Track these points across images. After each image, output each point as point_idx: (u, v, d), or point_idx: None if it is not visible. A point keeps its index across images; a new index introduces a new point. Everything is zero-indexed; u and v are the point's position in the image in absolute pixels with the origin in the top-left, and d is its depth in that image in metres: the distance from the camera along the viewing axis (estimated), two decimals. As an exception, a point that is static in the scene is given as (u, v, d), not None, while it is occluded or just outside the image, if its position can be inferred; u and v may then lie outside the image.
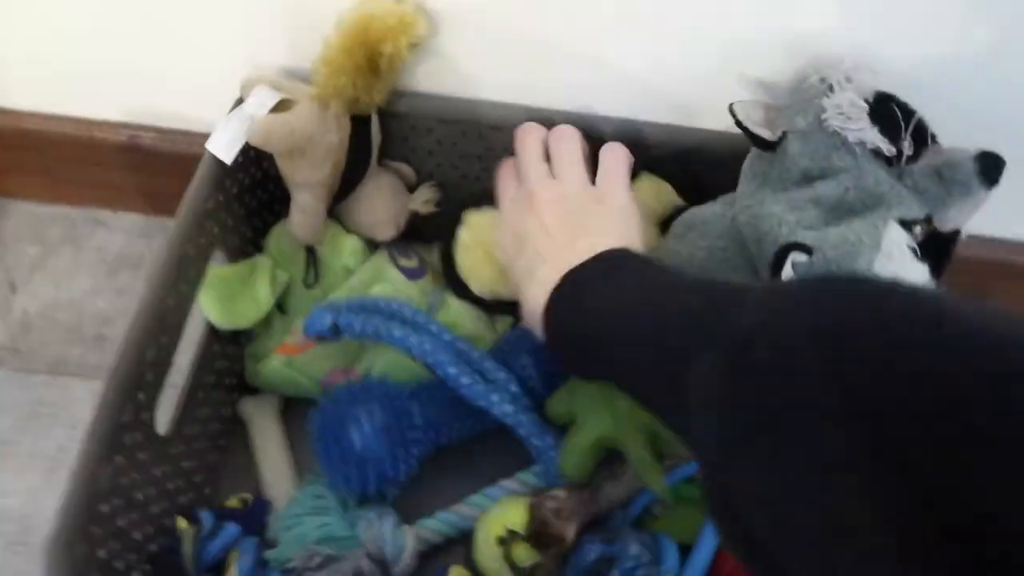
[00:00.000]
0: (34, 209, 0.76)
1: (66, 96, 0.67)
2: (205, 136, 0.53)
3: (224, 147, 0.54)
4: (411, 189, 0.64)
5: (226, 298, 0.55)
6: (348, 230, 0.61)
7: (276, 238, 0.60)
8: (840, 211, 0.44)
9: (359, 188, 0.59)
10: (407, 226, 0.63)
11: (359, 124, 0.56)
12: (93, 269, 0.73)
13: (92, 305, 0.70)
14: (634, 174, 0.54)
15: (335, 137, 0.55)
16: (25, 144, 0.70)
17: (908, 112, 0.45)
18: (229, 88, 0.56)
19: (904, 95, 0.47)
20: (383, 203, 0.60)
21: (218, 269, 0.55)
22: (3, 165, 0.73)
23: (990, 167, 0.42)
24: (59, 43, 0.62)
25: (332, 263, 0.60)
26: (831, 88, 0.45)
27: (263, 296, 0.57)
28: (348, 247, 0.60)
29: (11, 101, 0.68)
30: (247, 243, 0.60)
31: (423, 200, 0.63)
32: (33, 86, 0.67)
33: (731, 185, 0.53)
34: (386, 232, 0.61)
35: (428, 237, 0.65)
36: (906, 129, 0.44)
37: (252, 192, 0.60)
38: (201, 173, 0.53)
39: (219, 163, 0.53)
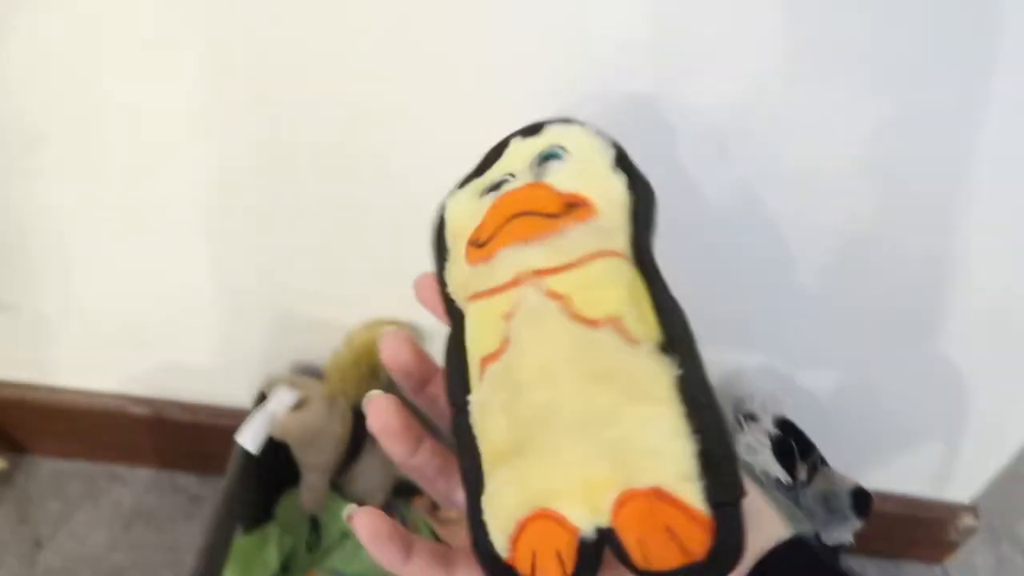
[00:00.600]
0: (57, 465, 0.87)
1: (104, 375, 0.80)
2: (226, 410, 0.66)
3: (251, 440, 0.66)
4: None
5: (243, 565, 0.66)
6: (345, 497, 0.73)
7: (285, 508, 0.72)
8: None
9: (355, 464, 0.71)
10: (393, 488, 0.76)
11: (359, 416, 0.70)
12: (110, 523, 0.82)
13: (108, 561, 0.79)
14: None
15: (340, 429, 0.68)
16: (62, 415, 0.82)
17: (806, 444, 0.60)
18: (249, 372, 0.69)
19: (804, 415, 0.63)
20: (375, 475, 0.73)
21: (240, 542, 0.66)
22: (37, 430, 0.84)
23: (862, 503, 0.57)
24: (101, 332, 0.76)
25: (331, 527, 0.71)
26: (741, 426, 0.60)
27: (271, 560, 0.68)
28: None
29: (55, 379, 0.81)
30: (260, 510, 0.71)
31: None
32: (75, 367, 0.80)
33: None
34: (378, 499, 0.73)
35: (409, 494, 0.77)
36: (803, 459, 0.59)
37: (268, 468, 0.72)
38: (233, 465, 0.66)
39: (246, 452, 0.66)
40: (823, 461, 0.60)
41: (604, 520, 0.23)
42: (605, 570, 0.23)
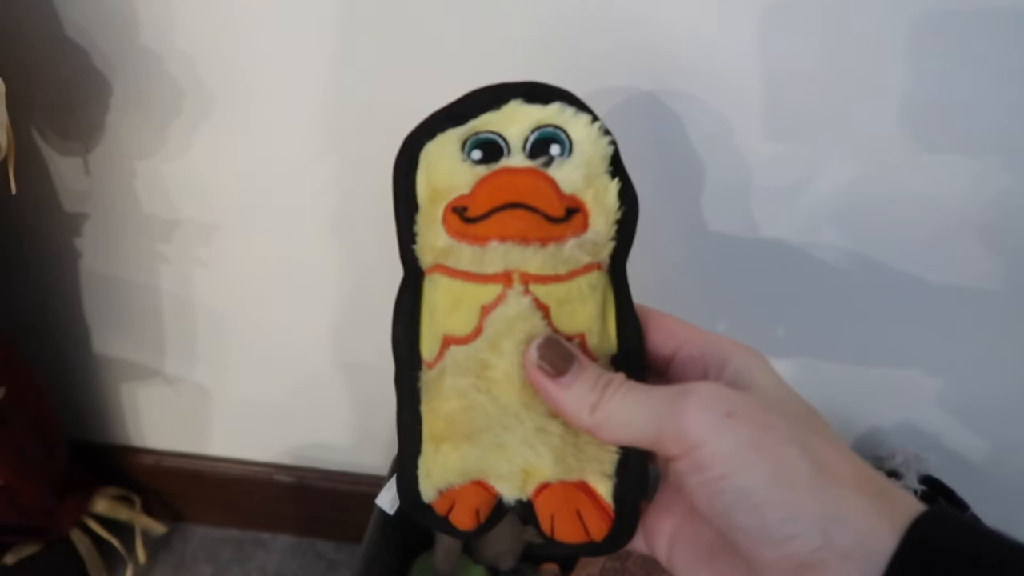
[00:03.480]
0: (209, 532, 0.93)
1: (253, 445, 0.86)
2: (364, 477, 0.69)
3: (389, 503, 0.69)
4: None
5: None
6: (475, 561, 0.74)
7: (420, 570, 0.74)
8: None
9: (487, 527, 0.73)
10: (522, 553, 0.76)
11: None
12: (256, 588, 0.87)
13: (255, 622, 0.83)
14: None
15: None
16: (215, 484, 0.88)
17: (958, 503, 0.57)
18: (385, 440, 0.73)
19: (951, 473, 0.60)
20: (506, 539, 0.74)
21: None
22: (193, 498, 0.91)
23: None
24: (251, 404, 0.82)
25: (464, 590, 0.73)
26: None
27: (408, 623, 0.70)
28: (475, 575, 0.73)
29: (210, 449, 0.88)
30: (396, 572, 0.74)
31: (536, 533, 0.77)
32: (228, 438, 0.87)
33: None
34: (507, 562, 0.74)
35: (538, 559, 0.77)
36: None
37: (404, 532, 0.75)
38: (372, 528, 0.69)
39: (384, 513, 0.69)
40: (978, 521, 0.57)
41: (525, 496, 0.29)
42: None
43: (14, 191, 0.55)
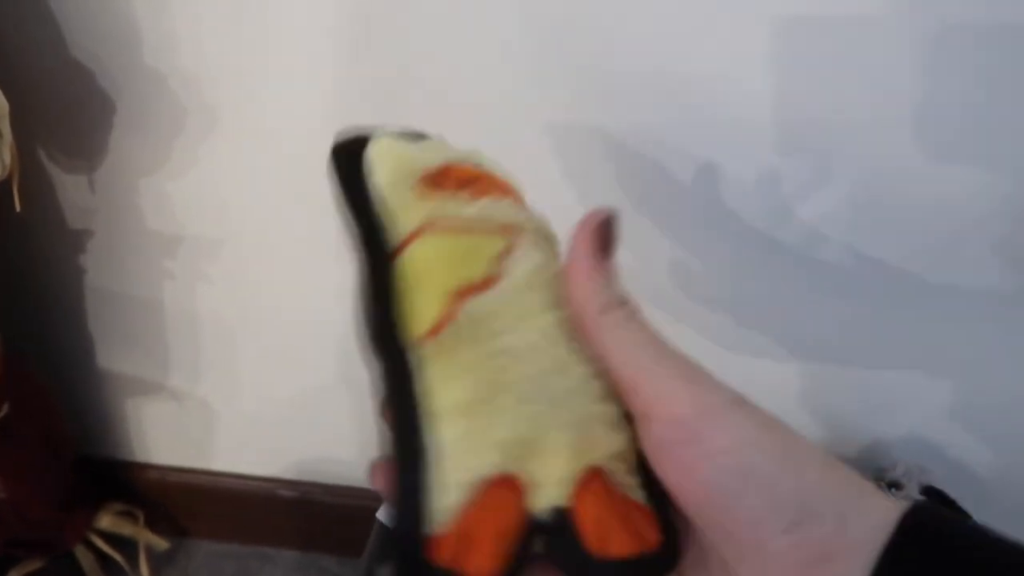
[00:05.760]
0: (213, 547, 0.93)
1: (256, 460, 0.87)
2: (367, 491, 0.69)
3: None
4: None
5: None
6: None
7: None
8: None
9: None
10: None
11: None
12: (260, 603, 0.87)
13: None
14: None
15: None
16: (220, 498, 0.88)
17: (959, 512, 0.57)
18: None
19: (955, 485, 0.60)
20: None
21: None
22: (198, 513, 0.91)
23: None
24: (255, 419, 0.82)
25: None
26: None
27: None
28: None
29: (214, 464, 0.88)
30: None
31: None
32: (232, 452, 0.87)
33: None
34: None
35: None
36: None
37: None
38: (372, 542, 0.69)
39: (385, 527, 0.69)
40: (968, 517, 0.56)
41: (564, 499, 0.22)
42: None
43: (19, 209, 0.56)
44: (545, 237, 0.25)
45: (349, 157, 0.26)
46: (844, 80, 0.51)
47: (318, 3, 0.53)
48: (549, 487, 0.22)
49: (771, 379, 0.65)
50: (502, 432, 0.22)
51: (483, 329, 0.23)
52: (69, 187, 0.67)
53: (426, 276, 0.23)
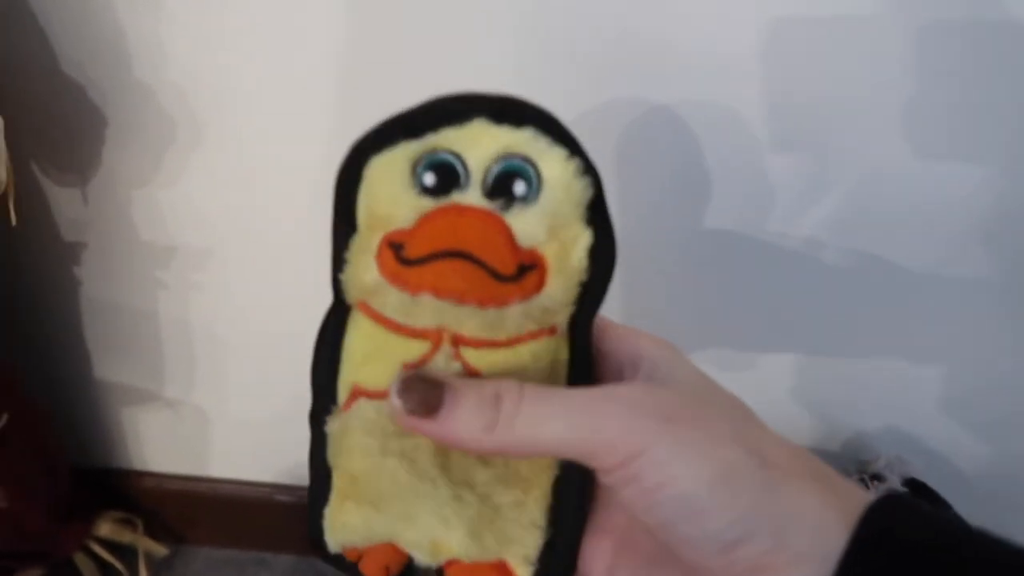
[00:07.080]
0: (211, 553, 0.93)
1: (252, 466, 0.87)
2: None
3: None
4: None
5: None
6: None
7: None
8: None
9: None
10: None
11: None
12: (258, 608, 0.88)
13: (258, 642, 0.84)
14: None
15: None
16: (217, 505, 0.89)
17: (940, 503, 0.58)
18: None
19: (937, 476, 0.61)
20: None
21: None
22: (195, 519, 0.92)
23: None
24: (250, 425, 0.83)
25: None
26: (867, 486, 0.59)
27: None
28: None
29: (210, 471, 0.89)
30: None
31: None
32: (228, 459, 0.88)
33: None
34: None
35: None
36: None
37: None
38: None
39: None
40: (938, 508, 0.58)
41: (437, 564, 0.25)
42: None
43: (15, 223, 0.57)
44: (488, 329, 0.23)
45: (358, 162, 0.24)
46: (840, 78, 0.52)
47: (306, 17, 0.54)
48: (423, 556, 0.25)
49: (755, 374, 0.67)
50: (375, 523, 0.25)
51: (368, 429, 0.24)
52: (62, 200, 0.67)
53: (350, 358, 0.25)
